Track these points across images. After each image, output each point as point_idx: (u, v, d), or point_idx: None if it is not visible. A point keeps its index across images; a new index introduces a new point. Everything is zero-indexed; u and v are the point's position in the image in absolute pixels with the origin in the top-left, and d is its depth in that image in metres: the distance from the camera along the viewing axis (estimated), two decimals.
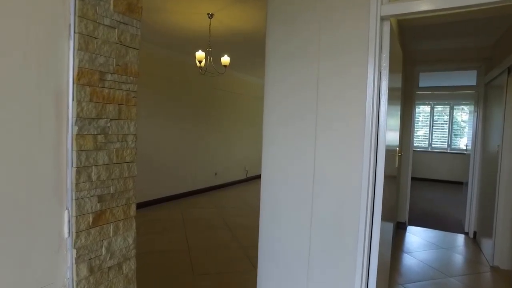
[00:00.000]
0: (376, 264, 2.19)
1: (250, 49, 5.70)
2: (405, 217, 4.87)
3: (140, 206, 5.55)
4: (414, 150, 5.96)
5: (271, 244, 2.54)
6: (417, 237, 4.56)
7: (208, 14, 4.28)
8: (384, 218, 2.38)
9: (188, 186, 6.60)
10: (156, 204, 5.86)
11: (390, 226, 3.07)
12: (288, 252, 2.45)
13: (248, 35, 4.94)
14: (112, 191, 1.34)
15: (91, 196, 1.25)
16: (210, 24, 4.43)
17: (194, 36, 4.96)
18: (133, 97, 1.41)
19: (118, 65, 1.33)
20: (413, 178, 5.38)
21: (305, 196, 2.39)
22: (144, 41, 5.31)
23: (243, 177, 8.34)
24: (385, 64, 2.23)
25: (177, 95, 6.21)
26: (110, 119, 1.32)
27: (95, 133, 1.26)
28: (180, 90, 6.28)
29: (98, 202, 1.28)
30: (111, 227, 1.33)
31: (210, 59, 4.57)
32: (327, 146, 2.30)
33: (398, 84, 3.20)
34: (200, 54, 4.36)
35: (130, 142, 1.40)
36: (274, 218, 2.53)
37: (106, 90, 1.29)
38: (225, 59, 4.59)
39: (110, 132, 1.32)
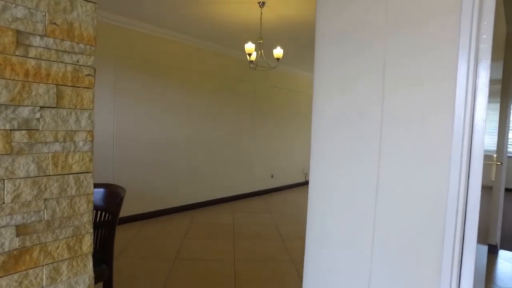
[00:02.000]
0: None
1: (307, 42, 5.02)
2: (495, 239, 3.80)
3: (190, 208, 5.19)
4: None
5: (319, 274, 1.90)
6: None
7: (259, 2, 3.73)
8: (479, 240, 1.63)
9: (242, 188, 6.13)
10: (208, 206, 5.47)
11: (484, 250, 2.23)
12: (340, 286, 1.79)
13: (304, 25, 4.29)
14: (46, 217, 0.83)
15: (2, 227, 0.77)
16: (261, 14, 3.88)
17: (245, 29, 4.44)
18: (86, 75, 0.89)
19: (54, 23, 0.82)
20: (505, 189, 4.25)
21: (364, 213, 1.72)
22: (194, 37, 4.94)
23: (301, 180, 7.65)
24: (486, 36, 1.46)
25: (229, 93, 5.77)
26: (41, 107, 0.81)
27: (9, 128, 0.77)
28: (233, 87, 5.83)
29: (17, 236, 0.79)
30: (43, 272, 0.83)
31: (261, 52, 4.02)
32: (397, 150, 1.60)
33: (499, 74, 2.32)
34: (249, 47, 3.83)
35: (81, 143, 0.89)
36: (323, 241, 1.89)
37: (33, 62, 0.79)
38: (278, 52, 4.00)
39: (41, 127, 0.81)
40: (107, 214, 2.18)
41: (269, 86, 6.52)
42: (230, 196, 5.85)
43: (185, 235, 4.12)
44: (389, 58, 1.63)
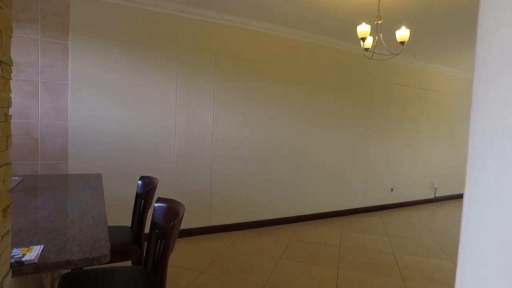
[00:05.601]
0: None
1: (440, 25, 3.70)
2: None
3: (292, 220, 4.42)
4: None
5: None
6: None
7: None
8: None
9: (354, 202, 5.06)
10: (313, 220, 4.63)
11: None
12: None
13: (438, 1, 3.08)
14: None
15: None
16: None
17: (358, 12, 3.46)
18: None
19: None
20: None
21: None
22: (298, 30, 4.16)
23: (430, 196, 6.04)
24: None
25: (342, 92, 4.81)
26: None
27: None
28: (346, 85, 4.84)
29: None
30: None
31: (379, 37, 3.02)
32: None
33: None
34: (363, 29, 2.88)
35: None
36: None
37: None
38: (402, 33, 2.92)
39: None
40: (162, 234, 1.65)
41: (390, 83, 5.29)
42: (339, 211, 4.88)
43: (282, 254, 3.40)
44: None
